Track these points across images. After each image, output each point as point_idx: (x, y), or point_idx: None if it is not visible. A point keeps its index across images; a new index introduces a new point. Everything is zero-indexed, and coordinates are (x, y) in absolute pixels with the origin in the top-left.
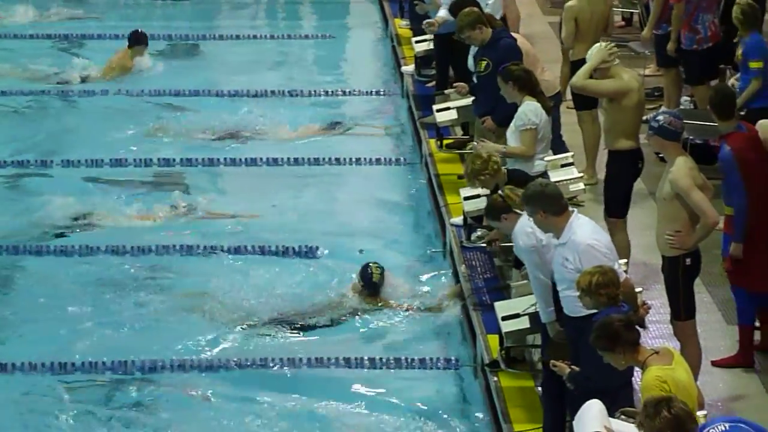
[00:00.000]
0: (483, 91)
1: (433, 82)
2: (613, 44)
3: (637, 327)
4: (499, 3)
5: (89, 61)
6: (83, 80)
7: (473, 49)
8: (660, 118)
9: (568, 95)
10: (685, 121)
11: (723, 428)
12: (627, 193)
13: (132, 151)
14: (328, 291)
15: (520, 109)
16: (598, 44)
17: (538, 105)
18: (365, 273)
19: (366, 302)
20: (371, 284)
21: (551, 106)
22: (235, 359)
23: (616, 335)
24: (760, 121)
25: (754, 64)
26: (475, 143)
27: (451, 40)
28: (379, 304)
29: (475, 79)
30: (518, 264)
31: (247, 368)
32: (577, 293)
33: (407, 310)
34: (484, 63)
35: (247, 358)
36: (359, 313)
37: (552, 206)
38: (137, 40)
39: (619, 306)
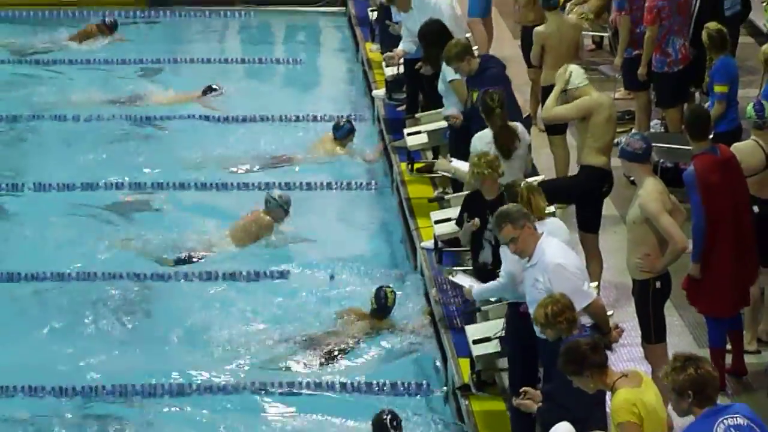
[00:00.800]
0: (477, 120)
1: (404, 106)
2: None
3: (605, 350)
4: (454, 23)
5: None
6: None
7: (442, 74)
8: (622, 140)
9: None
10: (655, 144)
11: (741, 422)
12: (574, 199)
13: (102, 174)
14: (300, 316)
15: (474, 136)
16: (561, 68)
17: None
18: (379, 297)
19: (375, 325)
20: (385, 308)
21: (512, 144)
22: (206, 385)
23: (583, 358)
24: (735, 144)
25: (718, 88)
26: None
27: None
28: (386, 327)
29: (444, 104)
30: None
31: (218, 393)
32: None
33: (413, 330)
34: (476, 94)
35: (219, 384)
36: (332, 339)
37: (533, 221)
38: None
39: (581, 331)
